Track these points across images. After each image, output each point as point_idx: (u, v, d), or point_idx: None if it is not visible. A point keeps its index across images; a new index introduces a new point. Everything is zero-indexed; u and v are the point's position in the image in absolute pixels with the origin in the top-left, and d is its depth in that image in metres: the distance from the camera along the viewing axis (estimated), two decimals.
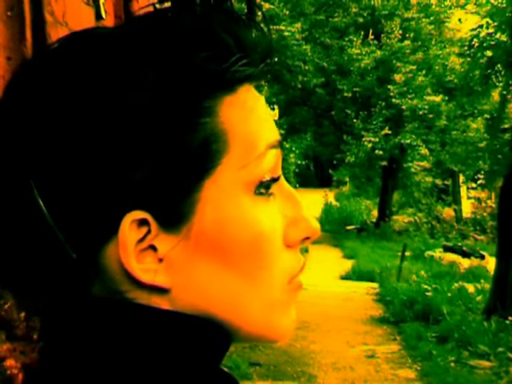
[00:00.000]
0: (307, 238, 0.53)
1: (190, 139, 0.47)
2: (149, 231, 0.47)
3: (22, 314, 1.79)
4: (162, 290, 0.48)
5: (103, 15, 2.40)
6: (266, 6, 17.25)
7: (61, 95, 0.46)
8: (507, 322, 7.23)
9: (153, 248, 0.47)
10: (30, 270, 0.47)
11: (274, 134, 0.52)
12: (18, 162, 0.46)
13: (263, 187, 0.50)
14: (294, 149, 20.00)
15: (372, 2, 18.48)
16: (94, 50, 0.47)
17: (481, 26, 12.49)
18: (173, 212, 0.47)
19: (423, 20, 18.66)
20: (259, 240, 0.49)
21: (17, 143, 0.46)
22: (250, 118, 0.50)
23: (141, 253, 0.47)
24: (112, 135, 0.45)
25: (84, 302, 0.48)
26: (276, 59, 0.52)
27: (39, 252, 0.46)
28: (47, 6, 1.67)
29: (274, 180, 0.51)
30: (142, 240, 0.47)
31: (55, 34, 1.79)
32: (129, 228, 0.46)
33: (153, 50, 0.47)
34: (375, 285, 10.60)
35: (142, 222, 0.46)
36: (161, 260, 0.47)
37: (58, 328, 0.48)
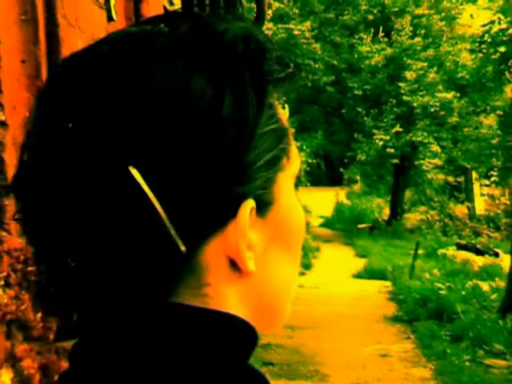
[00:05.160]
0: None
1: (285, 133, 0.51)
2: None
3: (39, 315, 1.81)
4: (241, 279, 0.49)
5: (114, 17, 2.42)
6: (276, 4, 17.25)
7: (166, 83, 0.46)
8: None
9: None
10: (132, 264, 0.45)
11: None
12: (121, 153, 0.44)
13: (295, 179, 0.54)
14: (304, 147, 19.95)
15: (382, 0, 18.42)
16: (157, 45, 0.48)
17: (492, 22, 12.41)
18: (266, 200, 0.50)
19: (434, 16, 18.55)
20: (303, 226, 0.55)
21: (119, 135, 0.44)
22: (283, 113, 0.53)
23: None
24: (227, 123, 0.46)
25: (163, 305, 0.47)
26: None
27: (146, 246, 0.44)
28: (60, 10, 1.68)
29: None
30: None
31: (68, 36, 1.81)
32: (249, 216, 0.47)
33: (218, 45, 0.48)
34: (388, 283, 10.56)
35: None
36: (250, 247, 0.49)
37: (126, 326, 0.47)
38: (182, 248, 0.45)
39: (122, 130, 0.44)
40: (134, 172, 0.43)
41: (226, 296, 0.49)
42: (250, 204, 0.47)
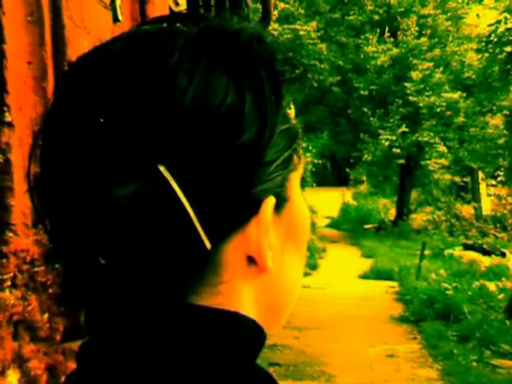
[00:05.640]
0: None
1: (297, 132, 0.52)
2: None
3: (45, 316, 1.81)
4: (256, 277, 0.50)
5: (120, 18, 2.43)
6: (281, 5, 17.24)
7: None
8: None
9: None
10: (157, 261, 0.45)
11: None
12: (149, 150, 0.44)
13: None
14: (310, 148, 19.94)
15: (388, 0, 18.38)
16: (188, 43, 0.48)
17: (499, 22, 12.38)
18: (283, 197, 0.50)
19: (440, 16, 18.51)
20: (309, 226, 0.55)
21: (147, 132, 0.44)
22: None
23: None
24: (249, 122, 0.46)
25: (182, 306, 0.47)
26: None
27: (173, 243, 0.44)
28: (66, 11, 1.68)
29: None
30: None
31: (74, 37, 1.81)
32: (271, 212, 0.48)
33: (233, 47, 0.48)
34: (394, 284, 10.54)
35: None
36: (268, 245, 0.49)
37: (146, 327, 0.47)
38: (208, 245, 0.45)
39: (149, 128, 0.44)
40: (163, 170, 0.43)
41: (241, 293, 0.49)
42: (271, 201, 0.48)
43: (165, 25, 0.50)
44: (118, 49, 0.48)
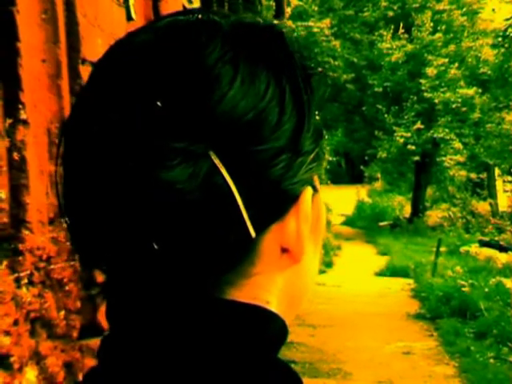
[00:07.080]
0: None
1: (322, 127, 0.52)
2: None
3: (62, 313, 1.82)
4: (287, 268, 0.50)
5: (133, 16, 2.44)
6: (295, 2, 17.22)
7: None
8: None
9: None
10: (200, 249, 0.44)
11: None
12: (200, 137, 0.43)
13: None
14: (324, 145, 19.89)
15: None
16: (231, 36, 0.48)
17: None
18: (315, 188, 0.51)
19: (455, 11, 18.36)
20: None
21: (199, 118, 0.44)
22: None
23: None
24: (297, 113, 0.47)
25: (216, 302, 0.47)
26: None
27: (219, 231, 0.44)
28: (80, 9, 1.69)
29: None
30: None
31: (88, 35, 1.81)
32: (310, 202, 0.49)
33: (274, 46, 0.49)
34: (410, 281, 10.49)
35: None
36: None
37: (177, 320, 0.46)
38: (253, 234, 0.45)
39: (202, 113, 0.44)
40: (214, 156, 0.43)
41: (274, 284, 0.50)
42: (310, 191, 0.49)
43: (200, 16, 0.49)
44: (161, 37, 0.47)
